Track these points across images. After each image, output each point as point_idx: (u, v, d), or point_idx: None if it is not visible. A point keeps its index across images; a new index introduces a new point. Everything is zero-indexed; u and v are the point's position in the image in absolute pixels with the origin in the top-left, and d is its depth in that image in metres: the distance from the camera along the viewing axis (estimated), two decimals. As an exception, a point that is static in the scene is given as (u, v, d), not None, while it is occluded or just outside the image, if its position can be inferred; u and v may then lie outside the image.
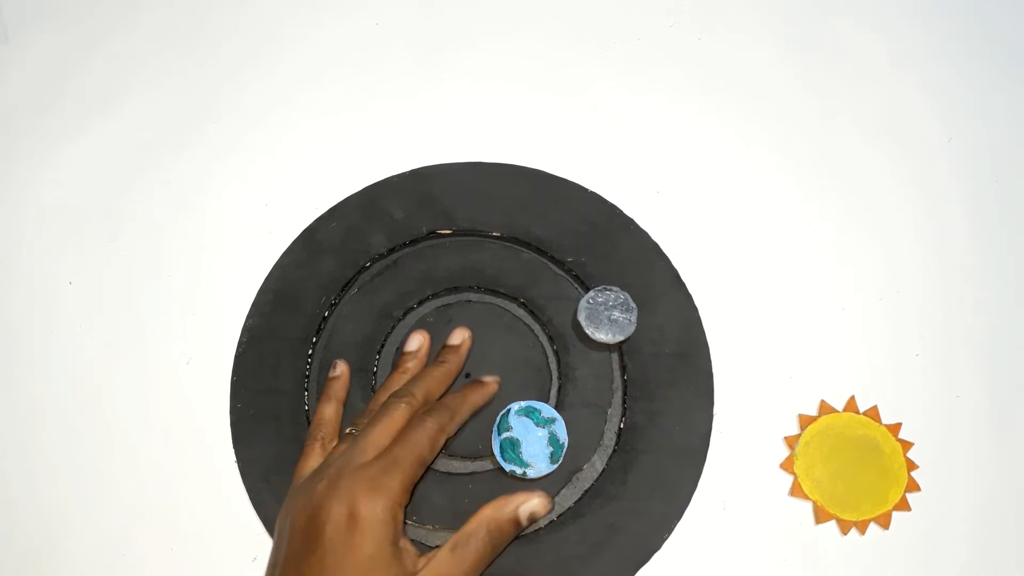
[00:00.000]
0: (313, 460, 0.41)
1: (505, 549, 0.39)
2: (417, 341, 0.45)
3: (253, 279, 0.48)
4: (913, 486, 0.44)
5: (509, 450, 0.41)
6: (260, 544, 0.45)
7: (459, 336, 0.45)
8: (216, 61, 0.53)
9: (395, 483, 0.36)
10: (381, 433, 0.39)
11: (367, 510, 0.35)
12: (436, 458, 0.42)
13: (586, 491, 0.44)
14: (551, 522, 0.44)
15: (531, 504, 0.38)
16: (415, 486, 0.38)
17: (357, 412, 0.45)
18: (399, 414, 0.39)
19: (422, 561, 0.36)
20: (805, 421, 0.45)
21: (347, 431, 0.41)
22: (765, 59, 0.53)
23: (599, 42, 0.53)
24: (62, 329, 0.48)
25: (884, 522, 0.44)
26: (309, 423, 0.45)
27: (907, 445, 0.45)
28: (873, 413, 0.45)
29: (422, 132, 0.51)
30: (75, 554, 0.45)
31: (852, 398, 0.46)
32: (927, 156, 0.51)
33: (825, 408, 0.46)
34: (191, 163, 0.51)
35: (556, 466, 0.42)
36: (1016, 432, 0.46)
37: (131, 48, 0.54)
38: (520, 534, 0.40)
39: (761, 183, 0.50)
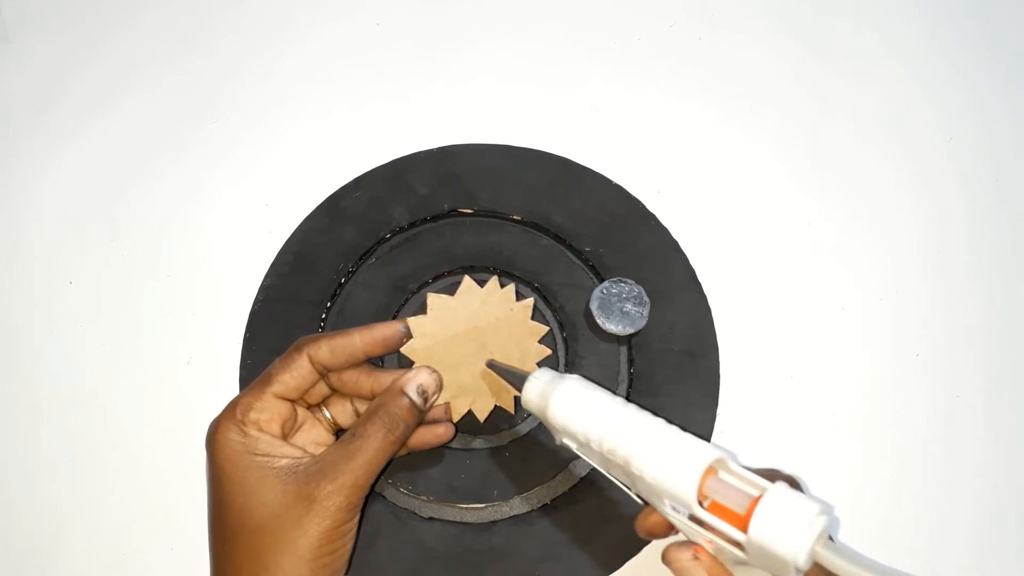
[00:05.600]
0: None
1: (408, 436, 0.38)
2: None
3: (253, 279, 0.48)
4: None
5: None
6: (260, 544, 0.45)
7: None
8: (216, 61, 0.53)
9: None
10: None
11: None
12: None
13: (582, 478, 0.44)
14: (544, 505, 0.44)
15: (415, 377, 0.38)
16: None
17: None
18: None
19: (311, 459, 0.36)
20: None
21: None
22: (765, 59, 0.53)
23: (626, 39, 0.53)
24: (62, 329, 0.48)
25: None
26: None
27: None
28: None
29: (423, 132, 0.51)
30: (75, 554, 0.45)
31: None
32: (927, 156, 0.51)
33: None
34: (191, 163, 0.51)
35: None
36: (1016, 432, 0.46)
37: (131, 48, 0.54)
38: (429, 421, 0.40)
39: (761, 183, 0.50)
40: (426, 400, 0.38)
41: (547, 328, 0.40)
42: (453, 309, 0.39)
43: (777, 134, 0.51)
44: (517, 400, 0.41)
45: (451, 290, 0.45)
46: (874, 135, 0.51)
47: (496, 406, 0.41)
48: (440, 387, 0.39)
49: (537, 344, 0.40)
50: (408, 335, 0.39)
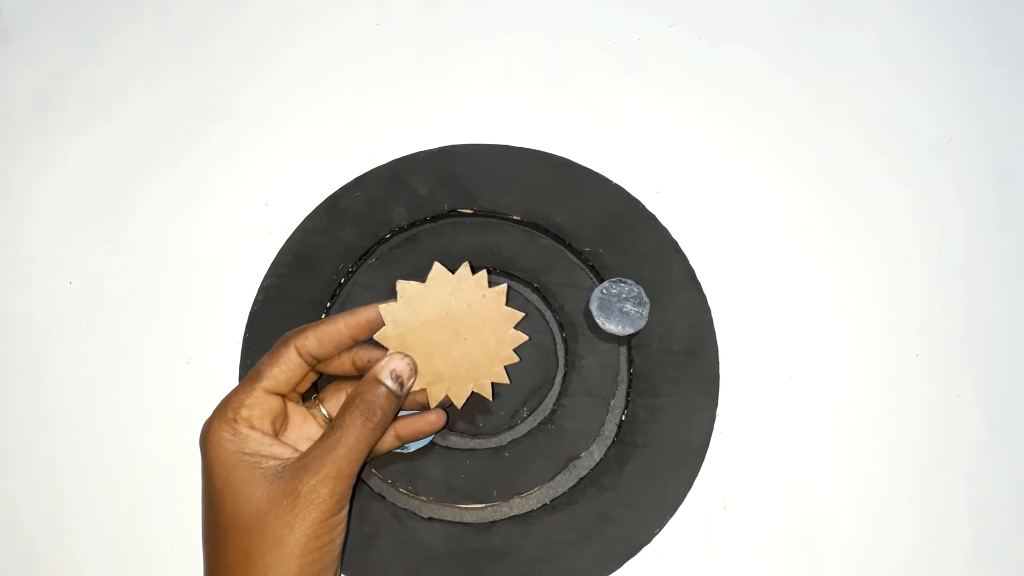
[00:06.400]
0: None
1: (388, 423, 0.38)
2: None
3: (253, 279, 0.48)
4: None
5: None
6: (260, 544, 0.45)
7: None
8: (216, 61, 0.53)
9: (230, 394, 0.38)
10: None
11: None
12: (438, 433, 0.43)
13: (581, 478, 0.44)
14: (543, 506, 0.44)
15: (388, 364, 0.38)
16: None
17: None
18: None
19: (297, 457, 0.36)
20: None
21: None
22: (765, 59, 0.53)
23: (626, 39, 0.53)
24: (62, 329, 0.48)
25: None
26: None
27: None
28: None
29: (423, 132, 0.51)
30: (75, 554, 0.45)
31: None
32: (927, 156, 0.51)
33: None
34: (191, 163, 0.51)
35: (430, 439, 0.43)
36: (1016, 432, 0.46)
37: (131, 48, 0.54)
38: (412, 409, 0.41)
39: (761, 183, 0.50)
40: (402, 385, 0.38)
41: (523, 314, 0.40)
42: (424, 296, 0.39)
43: (777, 134, 0.51)
44: (494, 385, 0.41)
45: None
46: (874, 135, 0.51)
47: (473, 392, 0.41)
48: (415, 371, 0.39)
49: (512, 330, 0.40)
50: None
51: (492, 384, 0.41)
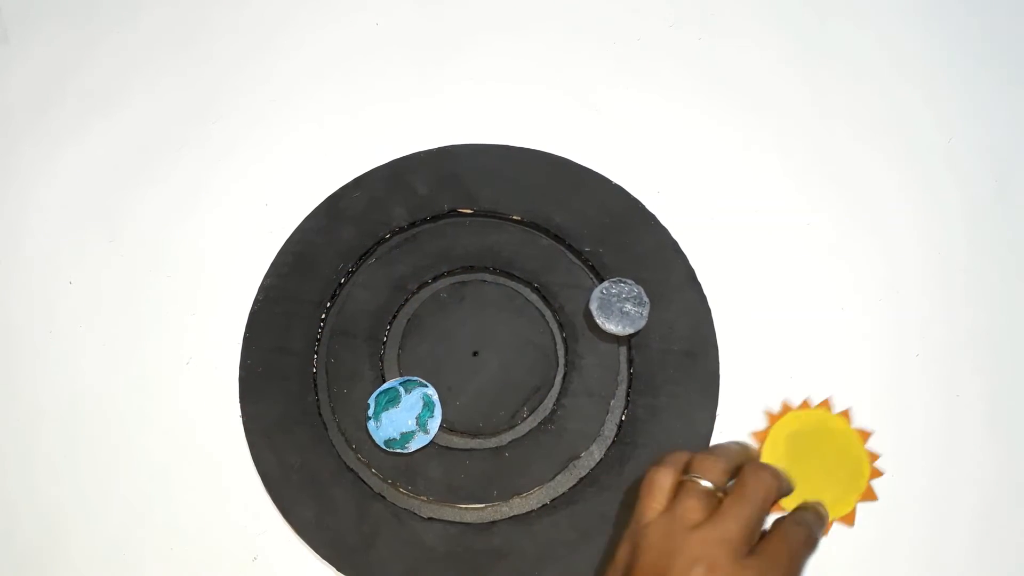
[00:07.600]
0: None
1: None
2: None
3: (253, 279, 0.48)
4: (870, 495, 0.44)
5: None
6: (260, 544, 0.45)
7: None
8: (216, 61, 0.53)
9: None
10: (754, 520, 0.34)
11: None
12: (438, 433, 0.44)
13: (582, 479, 0.44)
14: (543, 506, 0.44)
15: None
16: None
17: (368, 381, 0.45)
18: (766, 504, 0.35)
19: None
20: (772, 419, 0.45)
21: (690, 478, 0.36)
22: (764, 59, 0.53)
23: (626, 40, 0.53)
24: (62, 329, 0.48)
25: (848, 520, 0.43)
26: (316, 385, 0.46)
27: (873, 456, 0.44)
28: (845, 416, 0.45)
29: (423, 132, 0.51)
30: (75, 554, 0.45)
31: (828, 400, 0.45)
32: (927, 156, 0.51)
33: (787, 408, 0.45)
34: (191, 163, 0.51)
35: (430, 438, 0.44)
36: (1016, 432, 0.46)
37: (131, 48, 0.54)
38: None
39: (761, 183, 0.50)
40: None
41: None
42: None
43: (777, 134, 0.51)
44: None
45: (451, 291, 0.45)
46: (874, 135, 0.51)
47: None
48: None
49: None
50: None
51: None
